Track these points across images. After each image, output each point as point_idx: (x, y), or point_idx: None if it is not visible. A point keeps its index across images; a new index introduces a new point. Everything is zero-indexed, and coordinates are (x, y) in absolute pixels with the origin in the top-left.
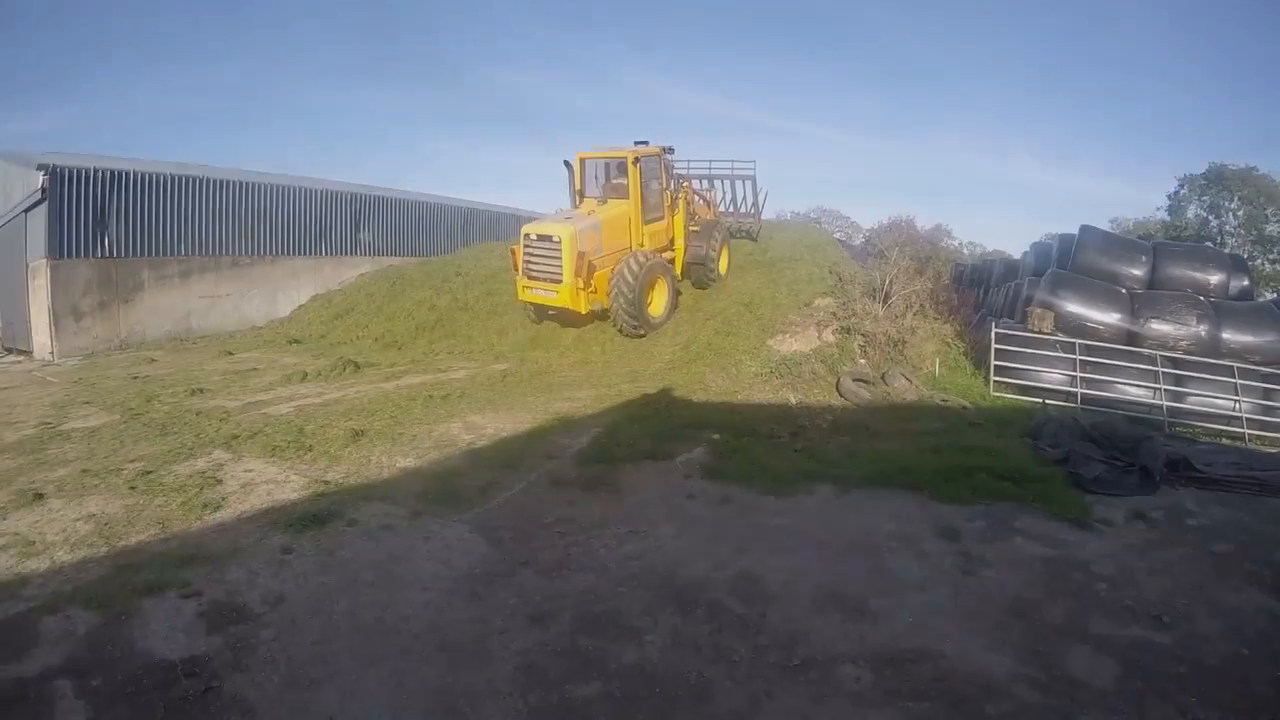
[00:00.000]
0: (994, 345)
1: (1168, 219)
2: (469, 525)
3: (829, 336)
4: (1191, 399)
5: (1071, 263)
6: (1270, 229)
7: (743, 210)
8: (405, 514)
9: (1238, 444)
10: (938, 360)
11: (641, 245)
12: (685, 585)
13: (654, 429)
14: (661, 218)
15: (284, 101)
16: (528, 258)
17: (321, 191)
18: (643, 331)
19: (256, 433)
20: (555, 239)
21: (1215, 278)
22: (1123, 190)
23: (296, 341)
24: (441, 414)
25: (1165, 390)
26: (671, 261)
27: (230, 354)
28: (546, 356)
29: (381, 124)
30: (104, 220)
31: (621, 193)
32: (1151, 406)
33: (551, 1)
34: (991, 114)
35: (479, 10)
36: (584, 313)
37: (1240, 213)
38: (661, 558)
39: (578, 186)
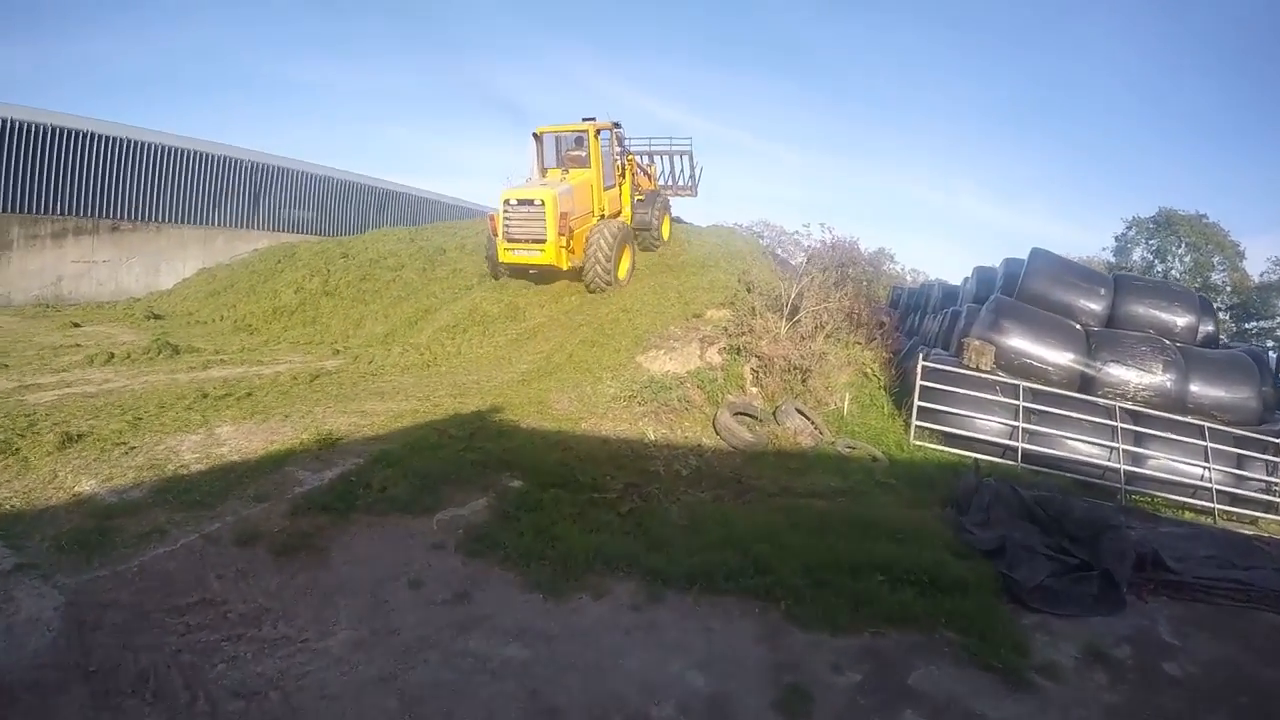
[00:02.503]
0: (919, 381)
1: (1113, 260)
2: (67, 595)
3: (714, 356)
4: (1152, 462)
5: (1019, 291)
6: (1216, 277)
7: (680, 183)
8: (6, 568)
9: (1204, 520)
10: (848, 396)
11: (603, 209)
12: None
13: (436, 466)
14: (614, 185)
15: (245, 72)
16: (507, 222)
17: (219, 158)
18: (610, 289)
19: None
20: (538, 202)
21: (1183, 320)
22: (1069, 232)
23: (157, 317)
24: (194, 420)
25: (1123, 450)
26: None
27: (76, 326)
28: (389, 354)
29: (343, 103)
30: None
31: (579, 163)
32: (1105, 469)
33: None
34: (941, 149)
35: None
36: (565, 269)
37: (1187, 259)
38: (281, 704)
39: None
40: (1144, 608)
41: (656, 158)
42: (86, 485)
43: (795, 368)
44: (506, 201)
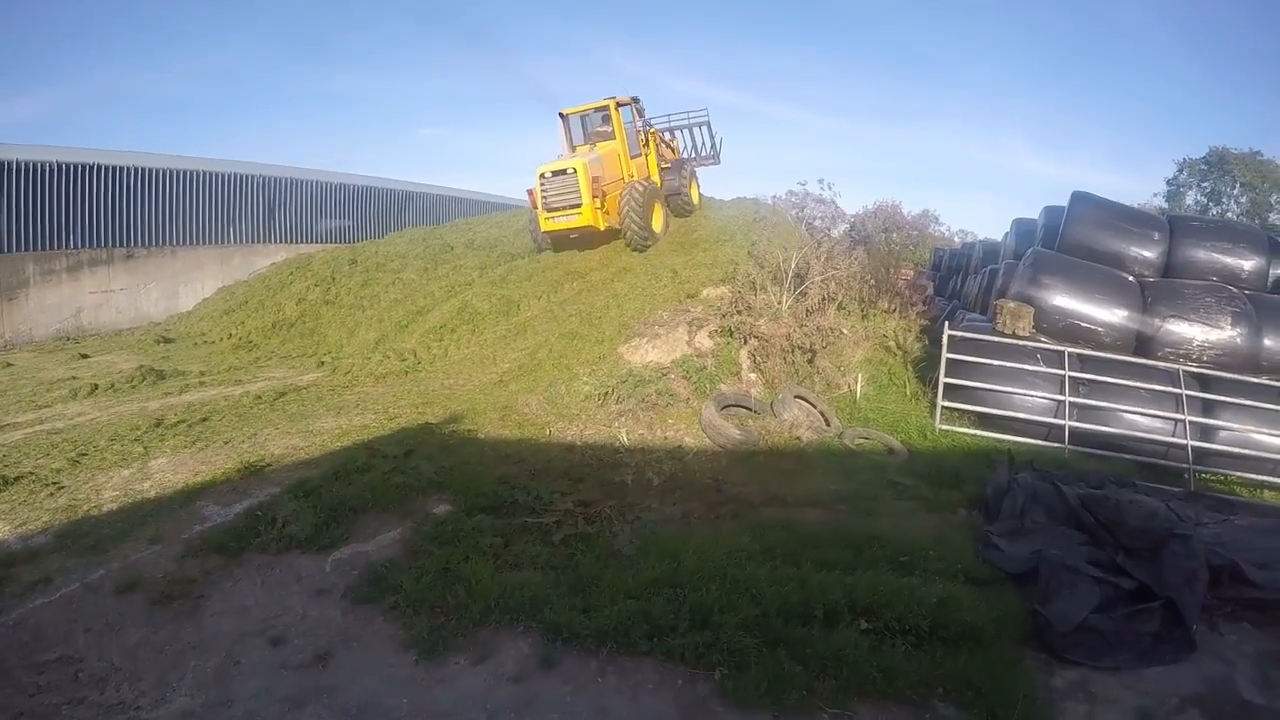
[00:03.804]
0: (944, 353)
1: (1165, 206)
2: None
3: (704, 341)
4: (1223, 434)
5: (1060, 241)
6: (1275, 216)
7: (703, 154)
8: None
9: None
10: (861, 376)
11: (632, 176)
12: None
13: (354, 493)
14: (639, 155)
15: (272, 88)
16: (544, 193)
17: (228, 175)
18: (650, 243)
19: None
20: (570, 171)
21: (1250, 263)
22: (1120, 181)
23: (168, 341)
24: (134, 453)
25: (1189, 422)
26: None
27: (85, 357)
28: (367, 363)
29: (371, 110)
30: None
31: (605, 137)
32: (1169, 445)
33: None
34: (984, 102)
35: None
36: (603, 228)
37: (1243, 199)
38: None
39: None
40: (1218, 643)
41: (677, 132)
42: (1, 532)
43: (797, 347)
44: (542, 175)
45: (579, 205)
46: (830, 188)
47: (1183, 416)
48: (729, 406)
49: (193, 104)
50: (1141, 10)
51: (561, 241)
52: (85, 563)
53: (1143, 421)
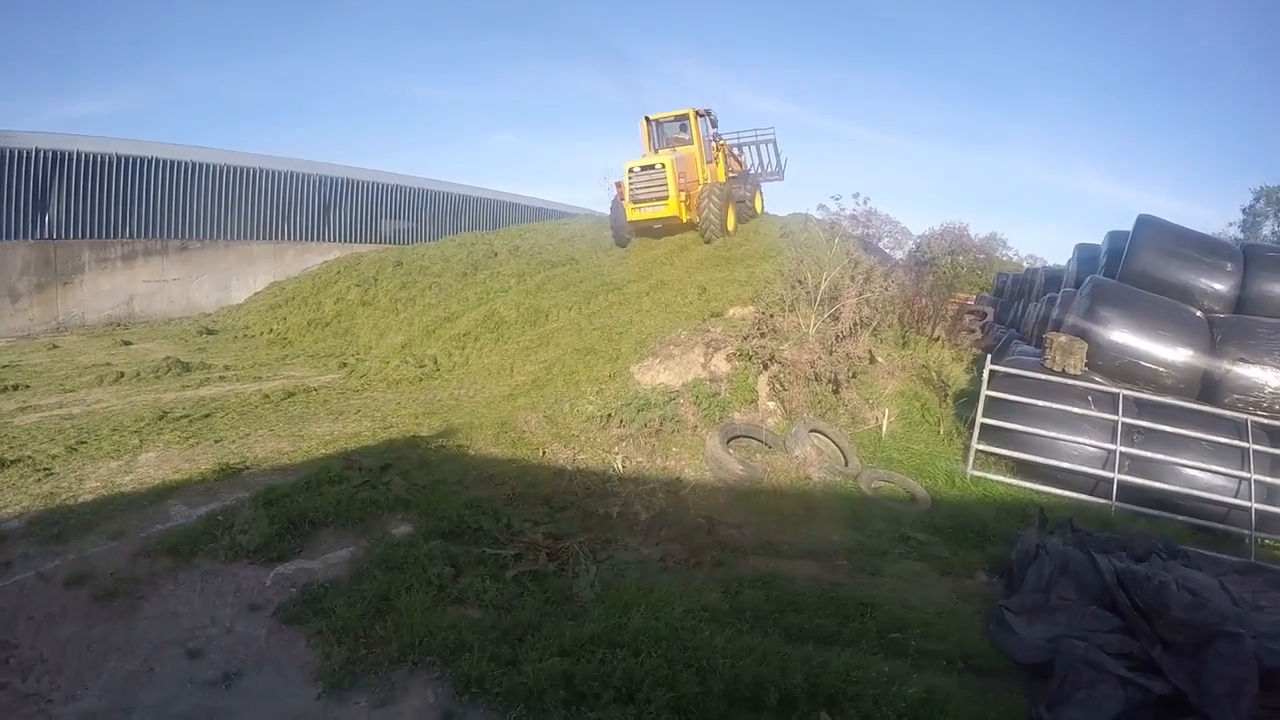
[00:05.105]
0: (984, 391)
1: (1241, 236)
2: None
3: (720, 365)
4: None
5: (1122, 270)
6: None
7: (768, 170)
8: None
9: None
10: (886, 412)
11: (707, 179)
12: None
13: (318, 505)
14: (712, 161)
15: (345, 91)
16: (633, 187)
17: (283, 173)
18: (720, 236)
19: None
20: (659, 166)
21: None
22: (1196, 210)
23: (211, 333)
24: (129, 445)
25: (1255, 481)
26: None
27: (127, 344)
28: (385, 367)
29: (446, 115)
30: (44, 201)
31: (682, 143)
32: (1231, 507)
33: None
34: (1056, 126)
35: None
36: (685, 220)
37: None
38: None
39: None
40: None
41: (745, 148)
42: None
43: (821, 377)
44: (630, 170)
45: (665, 197)
46: (865, 202)
47: (1248, 474)
48: (737, 438)
49: (267, 105)
50: (1216, 34)
51: (644, 232)
52: (45, 551)
53: (1202, 478)
